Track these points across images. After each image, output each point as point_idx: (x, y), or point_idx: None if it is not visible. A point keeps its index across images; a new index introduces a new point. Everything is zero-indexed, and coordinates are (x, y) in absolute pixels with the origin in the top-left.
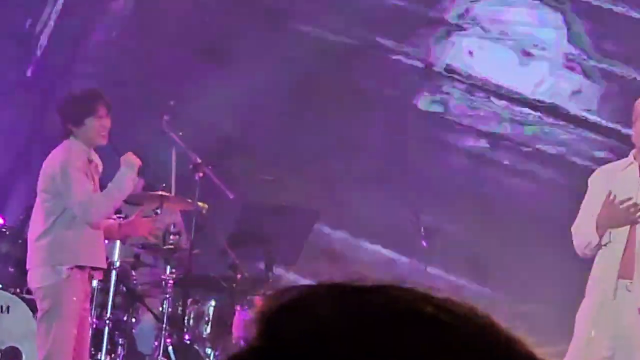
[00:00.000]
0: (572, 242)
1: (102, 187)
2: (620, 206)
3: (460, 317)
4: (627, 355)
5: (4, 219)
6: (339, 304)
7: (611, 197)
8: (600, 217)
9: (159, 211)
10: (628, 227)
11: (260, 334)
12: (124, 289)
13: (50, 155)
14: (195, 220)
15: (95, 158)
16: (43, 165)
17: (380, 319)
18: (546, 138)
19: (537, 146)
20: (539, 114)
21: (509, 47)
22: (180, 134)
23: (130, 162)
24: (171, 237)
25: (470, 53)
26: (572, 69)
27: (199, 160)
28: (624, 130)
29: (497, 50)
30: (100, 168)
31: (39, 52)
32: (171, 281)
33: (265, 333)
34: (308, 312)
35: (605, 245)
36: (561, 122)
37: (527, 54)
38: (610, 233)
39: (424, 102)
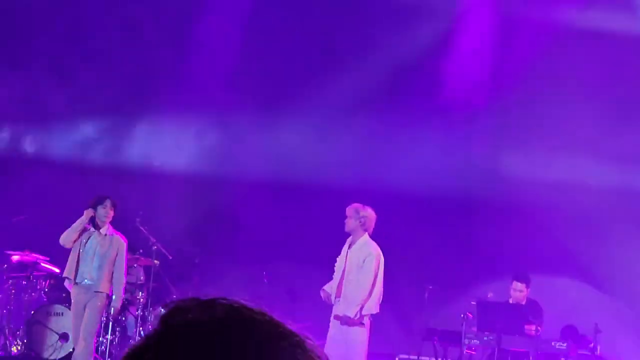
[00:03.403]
0: None
1: None
2: None
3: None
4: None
5: None
6: (200, 310)
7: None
8: None
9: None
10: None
11: (160, 321)
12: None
13: None
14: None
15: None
16: None
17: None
18: None
19: None
20: None
21: None
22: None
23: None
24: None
25: None
26: None
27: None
28: None
29: None
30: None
31: None
32: (142, 300)
33: (163, 322)
34: (185, 313)
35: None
36: None
37: None
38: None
39: None
